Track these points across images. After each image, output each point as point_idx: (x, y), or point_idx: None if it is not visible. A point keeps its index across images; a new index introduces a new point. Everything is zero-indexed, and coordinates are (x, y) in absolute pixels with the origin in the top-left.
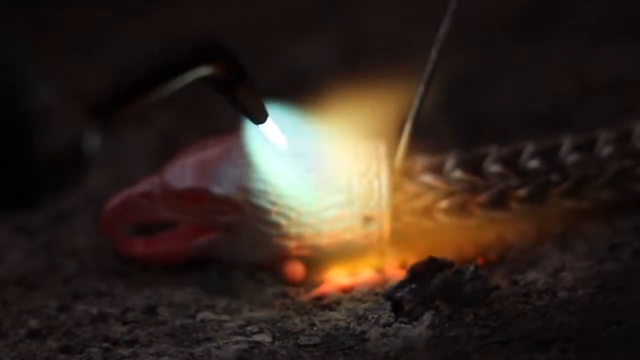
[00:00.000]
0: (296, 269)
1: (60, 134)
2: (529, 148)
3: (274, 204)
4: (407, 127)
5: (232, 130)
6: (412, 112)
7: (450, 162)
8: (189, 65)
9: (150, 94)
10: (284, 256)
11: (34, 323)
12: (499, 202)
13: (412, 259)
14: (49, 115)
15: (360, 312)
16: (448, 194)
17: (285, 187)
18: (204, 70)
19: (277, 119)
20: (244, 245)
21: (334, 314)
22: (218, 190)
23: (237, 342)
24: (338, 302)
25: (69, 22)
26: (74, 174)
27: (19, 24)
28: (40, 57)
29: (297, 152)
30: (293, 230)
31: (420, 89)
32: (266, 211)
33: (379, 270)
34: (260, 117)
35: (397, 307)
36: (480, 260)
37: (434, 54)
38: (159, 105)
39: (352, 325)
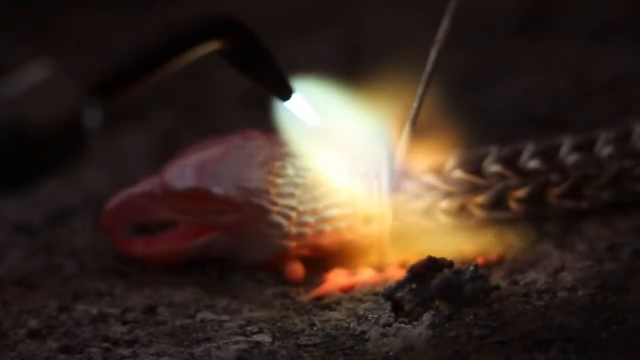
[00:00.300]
0: (296, 269)
1: (58, 108)
2: (529, 148)
3: (274, 203)
4: (407, 128)
5: (232, 131)
6: (412, 112)
7: (450, 162)
8: (198, 40)
9: (157, 70)
10: (284, 256)
11: (34, 323)
12: (498, 202)
13: (412, 259)
14: (42, 90)
15: (360, 312)
16: (448, 194)
17: (286, 185)
18: (214, 45)
19: (306, 95)
20: (244, 245)
21: (334, 314)
22: (218, 190)
23: (237, 342)
24: (338, 302)
25: (69, 22)
26: (73, 150)
27: (19, 24)
28: (40, 57)
29: (297, 151)
30: (294, 230)
31: (420, 89)
32: (267, 211)
33: (379, 270)
34: (284, 93)
35: (397, 307)
36: (480, 260)
37: (433, 54)
38: (156, 104)
39: (352, 325)
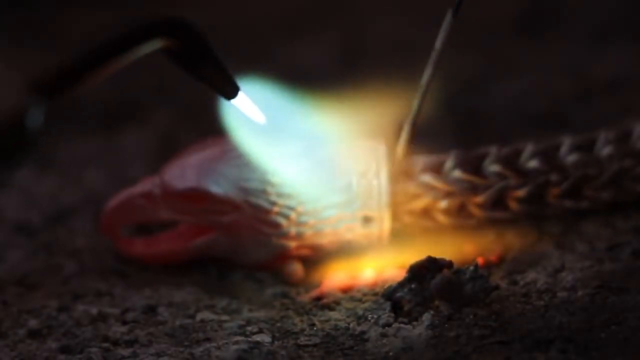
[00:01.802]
0: (296, 269)
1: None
2: (529, 148)
3: (273, 204)
4: (406, 128)
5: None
6: (411, 115)
7: (450, 162)
8: (142, 39)
9: (101, 68)
10: (284, 256)
11: (34, 323)
12: (498, 202)
13: (412, 259)
14: None
15: (360, 312)
16: (447, 194)
17: (285, 185)
18: (157, 43)
19: (252, 94)
20: (244, 245)
21: (333, 314)
22: (217, 190)
23: (237, 342)
24: (338, 302)
25: (69, 22)
26: (15, 151)
27: (19, 24)
28: (40, 58)
29: (296, 151)
30: (293, 230)
31: (417, 99)
32: (266, 211)
33: (379, 270)
34: (230, 92)
35: (396, 307)
36: (480, 260)
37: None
38: (156, 104)
39: (352, 325)
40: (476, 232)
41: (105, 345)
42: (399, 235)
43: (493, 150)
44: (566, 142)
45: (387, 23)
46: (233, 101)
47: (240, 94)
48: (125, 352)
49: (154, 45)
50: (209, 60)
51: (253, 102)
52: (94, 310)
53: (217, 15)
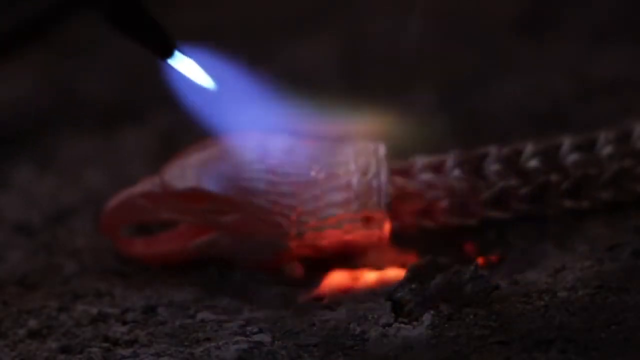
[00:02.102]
0: (296, 269)
1: None
2: (529, 148)
3: (274, 203)
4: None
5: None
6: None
7: (450, 162)
8: (77, 3)
9: (31, 33)
10: (284, 256)
11: (34, 323)
12: (499, 202)
13: (412, 259)
14: None
15: (360, 312)
16: (447, 194)
17: (286, 185)
18: (93, 7)
19: (198, 59)
20: (244, 245)
21: (334, 314)
22: (218, 190)
23: (237, 342)
24: (338, 302)
25: (68, 22)
26: None
27: None
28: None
29: (296, 151)
30: (293, 230)
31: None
32: (266, 211)
33: (379, 270)
34: (165, 51)
35: (397, 307)
36: (480, 260)
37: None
38: (156, 104)
39: (352, 325)
40: (476, 232)
41: (105, 345)
42: (399, 235)
43: (493, 150)
44: (566, 142)
45: (387, 22)
46: (170, 61)
47: (177, 53)
48: (125, 352)
49: (91, 8)
50: (145, 21)
51: (200, 66)
52: (94, 310)
53: (217, 15)
